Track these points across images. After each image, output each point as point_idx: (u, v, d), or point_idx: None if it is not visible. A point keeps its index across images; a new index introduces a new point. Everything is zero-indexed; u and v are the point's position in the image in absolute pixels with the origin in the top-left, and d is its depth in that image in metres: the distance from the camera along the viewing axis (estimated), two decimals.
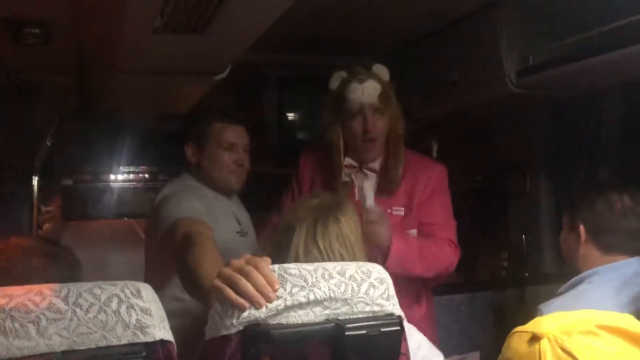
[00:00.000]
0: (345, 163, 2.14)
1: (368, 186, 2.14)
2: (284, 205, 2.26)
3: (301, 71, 3.07)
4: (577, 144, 2.58)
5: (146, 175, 3.32)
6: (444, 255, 2.07)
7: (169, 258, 1.67)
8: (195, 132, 2.02)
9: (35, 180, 2.25)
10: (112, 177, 3.19)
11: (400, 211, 2.14)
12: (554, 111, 2.72)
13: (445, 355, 2.27)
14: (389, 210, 2.11)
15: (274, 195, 2.43)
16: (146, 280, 1.89)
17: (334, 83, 2.14)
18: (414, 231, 2.15)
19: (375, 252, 1.96)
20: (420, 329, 2.09)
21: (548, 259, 2.85)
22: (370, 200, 2.05)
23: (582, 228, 1.72)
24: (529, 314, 1.76)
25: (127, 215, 3.26)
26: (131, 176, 3.26)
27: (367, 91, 2.04)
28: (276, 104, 3.13)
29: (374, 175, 2.15)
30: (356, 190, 2.14)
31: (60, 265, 1.33)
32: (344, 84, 2.08)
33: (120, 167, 3.18)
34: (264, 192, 2.80)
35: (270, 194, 2.56)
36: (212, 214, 1.83)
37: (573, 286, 1.72)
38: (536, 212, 2.88)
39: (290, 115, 3.21)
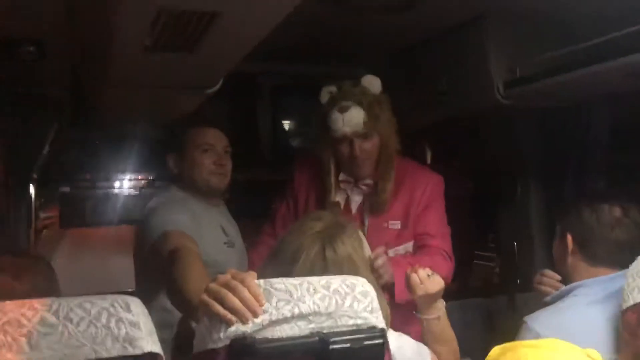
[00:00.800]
0: (340, 179, 2.15)
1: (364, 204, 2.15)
2: (277, 217, 2.28)
3: (294, 79, 3.10)
4: (565, 152, 2.62)
5: (143, 182, 3.35)
6: (437, 268, 2.07)
7: (158, 269, 1.69)
8: (173, 141, 2.06)
9: (32, 189, 2.28)
10: (109, 184, 3.22)
11: (397, 225, 2.16)
12: (542, 119, 2.75)
13: None
14: (385, 225, 2.14)
15: (267, 202, 2.46)
16: (137, 290, 1.92)
17: (324, 97, 2.14)
18: (409, 244, 2.17)
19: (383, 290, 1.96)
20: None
21: (539, 265, 2.86)
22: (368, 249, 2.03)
23: (569, 238, 1.71)
24: (519, 321, 1.78)
25: (124, 221, 3.29)
26: (128, 183, 3.29)
27: (348, 121, 2.02)
28: (270, 111, 3.17)
29: (369, 190, 2.17)
30: (352, 205, 2.16)
31: (35, 278, 1.36)
32: (328, 110, 2.07)
33: (117, 175, 3.21)
34: (256, 198, 2.82)
35: (263, 200, 2.59)
36: (199, 226, 1.85)
37: (559, 298, 1.73)
38: (527, 218, 2.90)
39: (284, 123, 3.25)
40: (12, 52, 1.38)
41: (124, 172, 3.23)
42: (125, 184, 3.37)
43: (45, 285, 1.35)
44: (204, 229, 1.89)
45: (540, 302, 1.79)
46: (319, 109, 2.14)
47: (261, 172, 3.01)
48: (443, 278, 2.06)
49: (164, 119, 2.31)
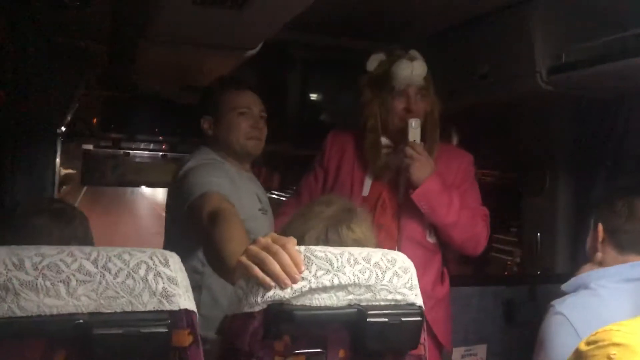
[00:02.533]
0: (382, 143, 2.12)
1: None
2: (304, 188, 2.26)
3: (326, 53, 3.05)
4: (602, 146, 2.56)
5: (165, 146, 3.33)
6: (475, 222, 2.09)
7: (192, 230, 1.67)
8: (209, 103, 2.02)
9: (58, 144, 2.27)
10: (132, 145, 3.21)
11: None
12: (580, 110, 2.68)
13: (453, 347, 2.30)
14: None
15: (293, 175, 2.43)
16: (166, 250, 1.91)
17: (372, 64, 2.12)
18: None
19: (409, 186, 2.00)
20: (441, 307, 2.13)
21: (561, 258, 2.84)
22: (416, 135, 2.01)
23: (600, 227, 1.73)
24: (539, 311, 1.76)
25: (144, 183, 3.28)
26: (151, 145, 3.27)
27: (416, 70, 2.04)
28: (300, 84, 3.12)
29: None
30: (389, 170, 2.12)
31: (68, 224, 1.35)
32: (390, 62, 2.07)
33: (141, 136, 3.19)
34: (283, 171, 2.80)
35: (289, 173, 2.56)
36: (237, 190, 1.83)
37: (582, 285, 1.72)
38: (553, 211, 2.87)
39: (313, 97, 3.20)
40: None
41: (148, 134, 3.20)
42: (148, 147, 3.36)
43: (81, 231, 1.34)
44: (241, 193, 1.87)
45: (561, 293, 1.78)
46: (355, 79, 2.13)
47: (287, 146, 2.98)
48: (477, 235, 2.08)
49: (197, 81, 2.28)
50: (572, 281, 1.72)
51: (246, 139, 1.98)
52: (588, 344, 1.03)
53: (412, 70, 2.03)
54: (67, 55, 1.99)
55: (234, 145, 1.99)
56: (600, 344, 1.01)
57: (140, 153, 3.26)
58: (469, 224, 2.07)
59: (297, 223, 1.31)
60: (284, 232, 1.29)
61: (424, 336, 1.07)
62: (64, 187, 2.78)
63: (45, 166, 2.18)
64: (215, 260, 1.47)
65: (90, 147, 3.10)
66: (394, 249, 2.03)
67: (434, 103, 2.11)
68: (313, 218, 1.29)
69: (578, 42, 2.06)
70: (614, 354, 0.97)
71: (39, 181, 2.16)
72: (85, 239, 1.33)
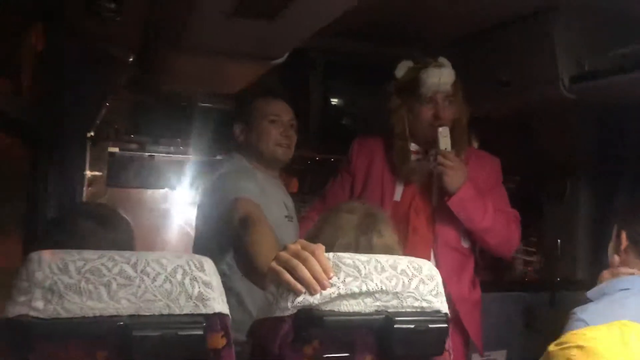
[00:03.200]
0: (411, 149, 2.15)
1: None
2: (329, 193, 2.29)
3: (348, 57, 3.07)
4: (624, 153, 2.55)
5: (188, 149, 3.38)
6: (508, 225, 2.11)
7: (222, 235, 1.71)
8: (241, 111, 2.08)
9: (87, 147, 2.33)
10: (157, 148, 3.26)
11: None
12: (603, 117, 2.68)
13: (472, 352, 2.31)
14: None
15: (316, 180, 2.46)
16: (195, 253, 1.95)
17: (400, 71, 2.15)
18: None
19: (444, 194, 2.03)
20: (476, 311, 2.15)
21: (581, 265, 2.84)
22: (447, 144, 2.04)
23: (624, 235, 1.72)
24: (559, 317, 1.77)
25: (167, 186, 3.34)
26: (174, 148, 3.33)
27: (444, 77, 2.07)
28: (322, 88, 3.15)
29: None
30: (417, 177, 2.14)
31: (114, 229, 1.39)
32: (418, 70, 2.10)
33: (165, 139, 3.25)
34: (305, 176, 2.83)
35: (312, 178, 2.59)
36: (266, 197, 1.87)
37: (605, 293, 1.72)
38: (574, 217, 2.86)
39: (335, 101, 3.23)
40: (92, 7, 1.40)
41: (172, 137, 3.26)
42: (172, 150, 3.41)
43: (126, 236, 1.38)
44: (270, 200, 1.92)
45: (582, 299, 1.78)
46: (392, 80, 2.17)
47: (309, 150, 3.01)
48: (511, 238, 2.11)
49: (221, 87, 2.32)
50: (597, 289, 1.72)
51: (275, 145, 2.03)
52: (556, 345, 1.07)
53: (440, 77, 2.06)
54: (99, 62, 2.04)
55: (263, 151, 2.03)
56: (565, 345, 1.05)
57: (165, 156, 3.31)
58: (503, 227, 2.09)
59: (326, 232, 1.33)
60: (313, 240, 1.33)
61: (449, 343, 1.09)
62: (90, 188, 2.84)
63: (76, 169, 2.24)
64: (245, 265, 1.51)
65: (116, 149, 3.17)
66: (429, 254, 2.08)
67: (462, 109, 2.13)
68: (342, 227, 1.31)
69: (601, 50, 2.07)
70: (574, 355, 1.01)
71: (69, 183, 2.22)
72: (129, 245, 1.37)
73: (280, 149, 2.04)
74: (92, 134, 2.39)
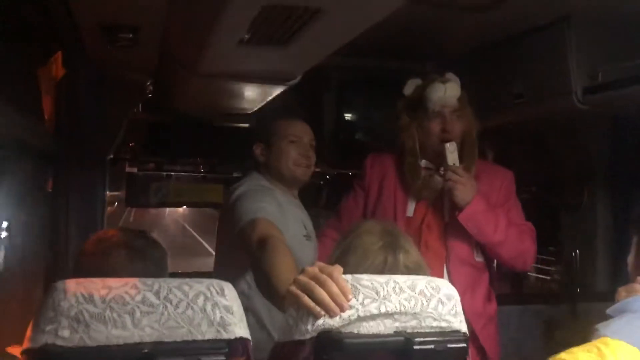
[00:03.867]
0: (422, 165, 2.16)
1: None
2: (344, 210, 2.30)
3: (362, 74, 3.10)
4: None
5: (205, 167, 3.43)
6: (521, 238, 2.10)
7: (242, 254, 1.73)
8: (262, 131, 2.10)
9: (107, 169, 2.37)
10: (174, 167, 3.31)
11: None
12: (618, 127, 2.67)
13: None
14: None
15: (330, 195, 2.47)
16: (215, 273, 1.98)
17: (409, 89, 2.19)
18: None
19: (455, 209, 2.03)
20: (492, 325, 2.15)
21: (601, 275, 2.81)
22: (455, 159, 2.06)
23: None
24: (580, 330, 1.75)
25: (185, 204, 3.38)
26: (191, 167, 3.37)
27: (449, 91, 2.09)
28: (335, 105, 3.17)
29: None
30: (429, 194, 2.15)
31: (146, 263, 1.40)
32: (424, 86, 2.13)
33: (182, 159, 3.29)
34: (320, 191, 2.84)
35: (327, 193, 2.60)
36: (284, 217, 1.89)
37: (628, 309, 1.70)
38: (592, 227, 2.84)
39: (349, 116, 3.25)
40: (111, 37, 1.44)
41: (188, 157, 3.31)
42: (188, 168, 3.46)
43: (158, 266, 1.38)
44: (288, 220, 1.93)
45: (602, 311, 1.76)
46: (401, 97, 2.20)
47: (324, 167, 3.02)
48: (525, 251, 2.10)
49: (237, 108, 2.35)
50: (617, 306, 1.70)
51: (295, 165, 2.05)
52: None
53: (445, 91, 2.08)
54: (117, 87, 2.09)
55: (283, 171, 2.05)
56: None
57: (182, 175, 3.35)
58: (517, 240, 2.08)
59: (351, 256, 1.31)
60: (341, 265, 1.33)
61: None
62: (109, 208, 2.88)
63: (96, 190, 2.28)
64: (264, 286, 1.52)
65: (134, 170, 3.22)
66: (442, 270, 2.08)
67: (470, 123, 2.14)
68: (368, 249, 1.30)
69: (614, 61, 2.06)
70: None
71: (90, 205, 2.26)
72: (161, 273, 1.38)
73: (300, 169, 2.06)
74: (112, 155, 2.43)
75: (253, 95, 2.02)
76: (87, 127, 2.12)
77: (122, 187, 3.32)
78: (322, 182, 3.23)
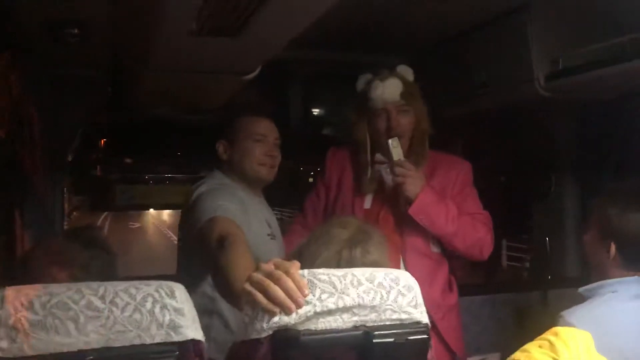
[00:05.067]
0: (375, 159, 2.16)
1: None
2: (308, 206, 2.30)
3: (327, 68, 3.07)
4: (605, 149, 2.55)
5: (172, 168, 3.37)
6: (475, 228, 2.10)
7: (202, 255, 1.69)
8: (225, 128, 2.04)
9: (67, 172, 2.30)
10: (139, 169, 3.24)
11: None
12: (583, 113, 2.69)
13: (466, 356, 2.29)
14: None
15: (298, 192, 2.45)
16: (178, 275, 1.93)
17: (360, 85, 2.19)
18: None
19: (405, 203, 2.03)
20: (452, 315, 2.14)
21: (571, 262, 2.84)
22: (399, 154, 2.06)
23: (613, 246, 1.67)
24: (552, 317, 1.75)
25: (153, 206, 3.32)
26: (158, 168, 3.31)
27: (388, 89, 2.09)
28: (301, 100, 3.14)
29: None
30: (387, 184, 2.15)
31: (97, 254, 1.37)
32: (368, 84, 2.14)
33: (148, 160, 3.23)
34: (288, 188, 2.81)
35: (294, 190, 2.57)
36: (246, 216, 1.84)
37: (596, 293, 1.71)
38: (561, 214, 2.87)
39: (315, 111, 3.22)
40: (56, 33, 1.38)
41: (154, 157, 3.24)
42: (155, 169, 3.40)
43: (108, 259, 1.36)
44: (251, 218, 1.88)
45: (573, 297, 1.77)
46: (356, 94, 2.19)
47: (291, 163, 2.99)
48: (480, 240, 2.11)
49: (200, 104, 2.30)
50: (590, 286, 1.70)
51: (259, 165, 1.99)
52: None
53: (384, 89, 2.09)
54: (70, 86, 2.02)
55: (246, 170, 2.00)
56: None
57: (148, 176, 3.29)
58: (470, 230, 2.08)
59: (313, 246, 1.30)
60: (301, 255, 1.30)
61: (431, 353, 1.07)
62: (75, 213, 2.81)
63: (55, 195, 2.21)
64: (222, 286, 1.48)
65: (98, 173, 3.15)
66: (399, 261, 2.07)
67: (420, 116, 2.15)
68: (328, 242, 1.29)
69: (575, 47, 2.07)
70: None
71: (49, 210, 2.19)
72: (110, 271, 1.35)
73: (264, 169, 2.01)
74: (71, 159, 2.36)
75: (213, 91, 1.97)
76: (41, 129, 2.05)
77: (87, 192, 3.25)
78: (291, 179, 3.20)
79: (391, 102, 2.09)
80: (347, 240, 1.29)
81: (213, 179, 1.99)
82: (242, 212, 1.80)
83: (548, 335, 1.08)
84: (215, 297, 1.75)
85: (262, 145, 2.00)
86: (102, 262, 1.37)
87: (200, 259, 1.73)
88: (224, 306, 1.79)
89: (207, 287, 1.80)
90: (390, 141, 2.06)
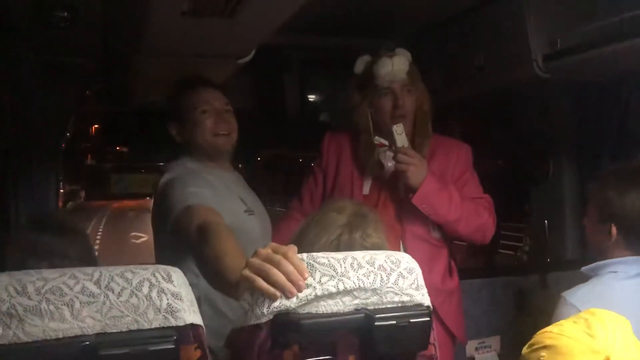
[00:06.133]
0: (376, 142, 2.12)
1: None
2: (305, 191, 2.26)
3: (323, 53, 3.04)
4: (603, 132, 2.54)
5: (167, 156, 3.34)
6: (478, 213, 2.07)
7: (181, 244, 1.63)
8: (171, 108, 1.96)
9: (60, 161, 2.27)
10: (135, 158, 3.21)
11: None
12: (581, 96, 2.67)
13: (466, 340, 2.29)
14: None
15: (294, 178, 2.42)
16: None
17: (359, 67, 2.14)
18: None
19: (408, 190, 2.00)
20: (452, 300, 2.13)
21: (570, 245, 2.83)
22: (403, 140, 2.01)
23: (614, 229, 1.67)
24: (551, 299, 1.75)
25: (148, 195, 3.29)
26: (153, 157, 3.28)
27: (397, 65, 2.04)
28: (297, 85, 3.12)
29: None
30: (386, 169, 2.11)
31: (72, 238, 1.35)
32: (372, 62, 2.08)
33: (143, 148, 3.20)
34: (284, 174, 2.79)
35: (290, 176, 2.55)
36: (218, 197, 1.77)
37: (597, 273, 1.70)
38: (559, 198, 2.86)
39: (312, 97, 3.20)
40: (46, 17, 1.35)
41: (150, 145, 3.21)
42: (149, 158, 3.36)
43: (82, 247, 1.34)
44: (224, 199, 1.80)
45: (572, 279, 1.76)
46: (355, 75, 2.15)
47: (288, 148, 2.97)
48: (483, 225, 2.08)
49: None
50: (592, 266, 1.70)
51: (213, 136, 1.90)
52: (527, 347, 1.06)
53: (392, 66, 2.04)
54: (62, 73, 1.99)
55: (203, 145, 1.90)
56: (535, 347, 1.04)
57: (143, 165, 3.26)
58: (473, 215, 2.06)
59: (310, 232, 1.28)
60: (299, 239, 1.29)
61: (433, 336, 1.06)
62: (70, 203, 2.78)
63: (48, 184, 2.18)
64: (212, 277, 1.42)
65: (93, 162, 3.12)
66: (399, 247, 2.05)
67: (422, 97, 2.11)
68: (327, 226, 1.27)
69: (573, 27, 2.05)
70: (543, 356, 1.00)
71: (42, 199, 2.17)
72: (88, 255, 1.34)
73: (220, 139, 1.91)
74: (64, 147, 2.33)
75: (208, 76, 1.92)
76: (33, 117, 2.02)
77: (81, 181, 3.22)
78: (291, 166, 3.18)
79: (399, 79, 2.05)
80: (345, 225, 1.27)
81: (177, 165, 1.91)
82: (214, 195, 1.73)
83: (584, 314, 1.07)
84: (200, 284, 1.64)
85: (210, 115, 1.90)
86: (79, 247, 1.36)
87: (177, 248, 1.66)
88: (212, 293, 1.71)
89: (191, 275, 1.73)
90: (394, 127, 2.01)
